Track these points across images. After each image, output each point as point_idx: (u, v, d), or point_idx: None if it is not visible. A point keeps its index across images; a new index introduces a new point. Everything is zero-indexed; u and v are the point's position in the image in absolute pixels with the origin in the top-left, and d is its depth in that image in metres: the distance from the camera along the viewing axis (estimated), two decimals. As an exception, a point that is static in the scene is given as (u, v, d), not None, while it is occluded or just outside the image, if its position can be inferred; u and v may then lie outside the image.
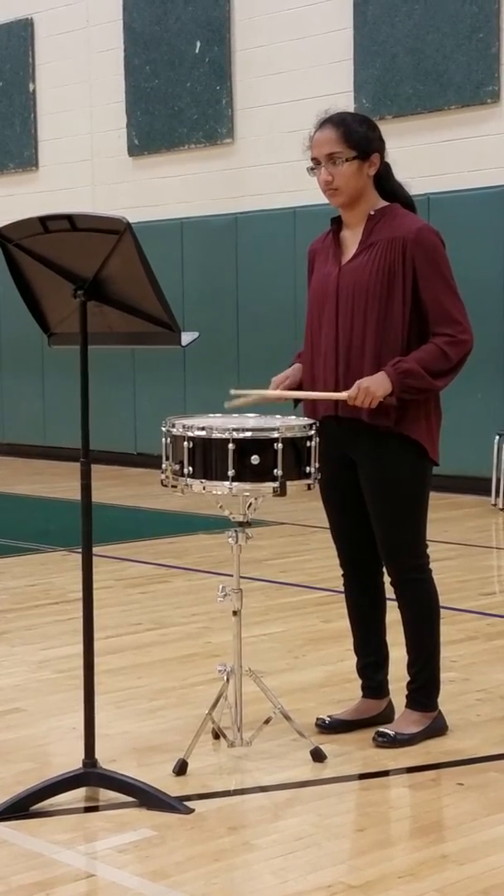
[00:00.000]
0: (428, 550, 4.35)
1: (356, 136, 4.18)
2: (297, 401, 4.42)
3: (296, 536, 8.60)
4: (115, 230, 3.67)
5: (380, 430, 4.17)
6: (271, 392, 4.31)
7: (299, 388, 4.37)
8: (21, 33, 14.08)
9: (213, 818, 3.72)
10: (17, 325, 12.48)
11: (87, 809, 3.80)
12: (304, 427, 4.05)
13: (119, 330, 3.95)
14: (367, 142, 4.19)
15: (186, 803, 3.78)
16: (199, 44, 12.37)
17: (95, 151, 13.52)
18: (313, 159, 4.24)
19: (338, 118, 4.23)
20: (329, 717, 4.46)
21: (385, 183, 4.28)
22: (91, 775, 3.85)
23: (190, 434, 4.02)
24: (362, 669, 4.50)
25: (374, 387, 4.05)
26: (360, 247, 4.23)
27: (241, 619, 4.25)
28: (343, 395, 4.12)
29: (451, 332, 4.14)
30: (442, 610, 4.41)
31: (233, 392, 4.26)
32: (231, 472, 3.95)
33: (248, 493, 4.05)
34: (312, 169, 4.26)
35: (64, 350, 4.17)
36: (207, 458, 3.99)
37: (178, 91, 12.58)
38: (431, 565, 4.36)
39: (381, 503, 4.24)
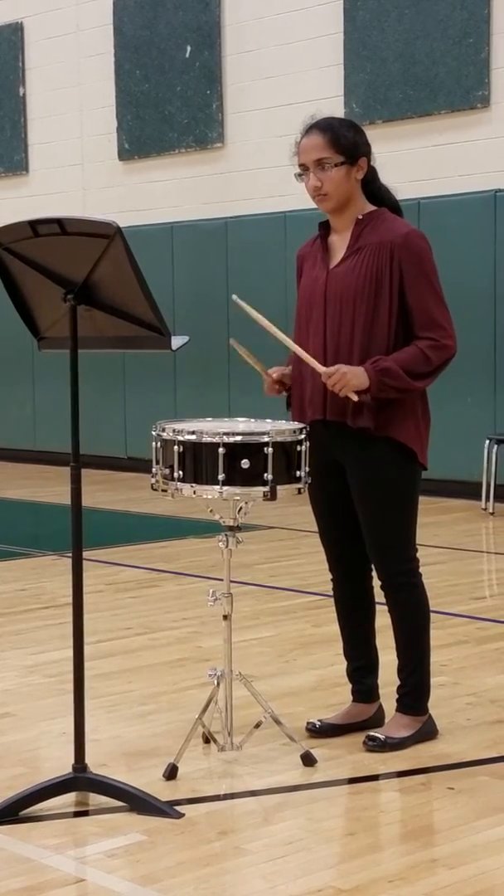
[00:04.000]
0: (418, 554, 4.35)
1: (344, 141, 4.18)
2: (287, 405, 4.42)
3: (286, 540, 8.60)
4: (105, 234, 3.67)
5: (368, 434, 4.17)
6: (267, 323, 4.23)
7: (289, 391, 4.38)
8: (11, 38, 14.08)
9: (203, 822, 3.72)
10: (7, 330, 12.42)
11: (77, 814, 3.79)
12: (295, 431, 4.05)
13: (109, 334, 3.95)
14: (354, 146, 4.20)
15: (177, 808, 3.78)
16: (189, 48, 12.38)
17: (86, 156, 13.51)
18: (301, 165, 4.24)
19: (324, 123, 4.23)
20: (319, 721, 4.46)
21: (371, 187, 4.29)
22: (81, 780, 3.85)
23: (180, 438, 4.02)
24: (352, 673, 4.50)
25: (351, 375, 4.06)
26: (347, 251, 4.24)
27: (232, 624, 4.25)
28: (321, 368, 4.12)
29: (434, 337, 4.15)
30: (432, 614, 4.40)
31: (232, 342, 4.27)
32: (221, 477, 3.95)
33: (238, 498, 4.05)
34: (300, 175, 4.26)
35: (54, 354, 4.17)
36: (198, 463, 3.99)
37: (169, 95, 12.58)
38: (421, 569, 4.36)
39: (369, 507, 4.25)
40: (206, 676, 4.30)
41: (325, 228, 4.35)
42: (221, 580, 4.25)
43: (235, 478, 3.96)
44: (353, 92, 11.15)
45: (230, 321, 12.04)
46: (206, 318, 12.04)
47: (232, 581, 4.26)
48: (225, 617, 4.23)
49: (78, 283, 3.79)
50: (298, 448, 4.04)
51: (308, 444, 4.07)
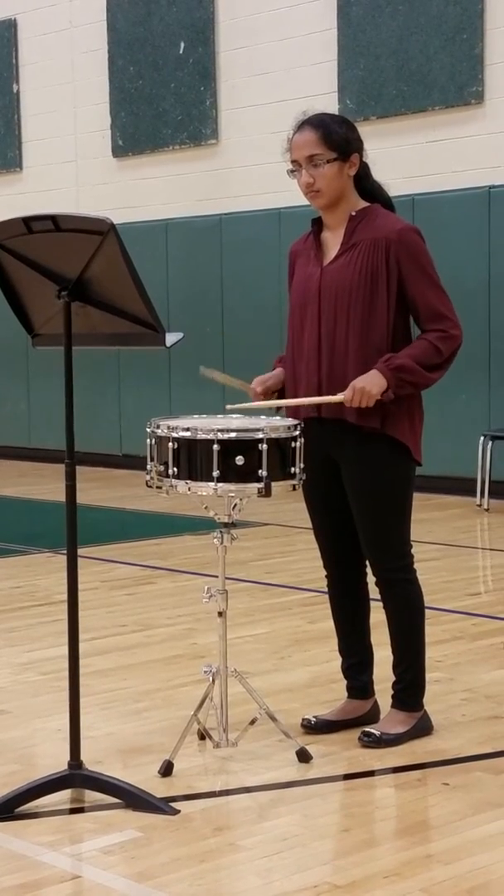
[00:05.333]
0: (413, 551, 4.36)
1: (336, 137, 4.18)
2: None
3: (281, 537, 8.60)
4: (99, 231, 3.67)
5: (363, 431, 4.17)
6: (260, 403, 4.29)
7: (282, 391, 4.37)
8: (5, 34, 14.06)
9: (198, 819, 3.72)
10: (1, 327, 12.44)
11: (73, 811, 3.79)
12: (289, 427, 4.05)
13: (103, 331, 3.95)
14: (346, 143, 4.19)
15: (172, 804, 3.78)
16: (182, 45, 12.37)
17: (79, 152, 13.50)
18: (293, 162, 4.24)
19: (317, 120, 4.23)
20: (314, 717, 4.46)
21: (364, 182, 4.29)
22: (76, 777, 3.85)
23: (175, 435, 4.02)
24: (347, 670, 4.50)
25: (370, 386, 4.05)
26: (341, 248, 4.23)
27: (227, 620, 4.25)
28: (339, 397, 4.11)
29: (441, 328, 4.16)
30: (427, 610, 4.41)
31: (202, 371, 4.24)
32: (216, 473, 3.95)
33: (232, 494, 4.05)
34: (293, 171, 4.26)
35: (48, 351, 4.17)
36: (192, 459, 3.99)
37: (162, 92, 12.57)
38: (416, 566, 4.36)
39: (364, 504, 4.25)
40: (202, 673, 4.30)
41: (318, 225, 4.35)
42: (216, 577, 4.25)
43: (230, 474, 3.96)
44: (347, 88, 11.14)
45: (224, 318, 12.06)
46: (200, 314, 12.04)
47: (227, 578, 4.26)
48: (220, 614, 4.23)
49: (72, 280, 3.79)
50: (293, 444, 4.04)
51: (303, 440, 4.07)
